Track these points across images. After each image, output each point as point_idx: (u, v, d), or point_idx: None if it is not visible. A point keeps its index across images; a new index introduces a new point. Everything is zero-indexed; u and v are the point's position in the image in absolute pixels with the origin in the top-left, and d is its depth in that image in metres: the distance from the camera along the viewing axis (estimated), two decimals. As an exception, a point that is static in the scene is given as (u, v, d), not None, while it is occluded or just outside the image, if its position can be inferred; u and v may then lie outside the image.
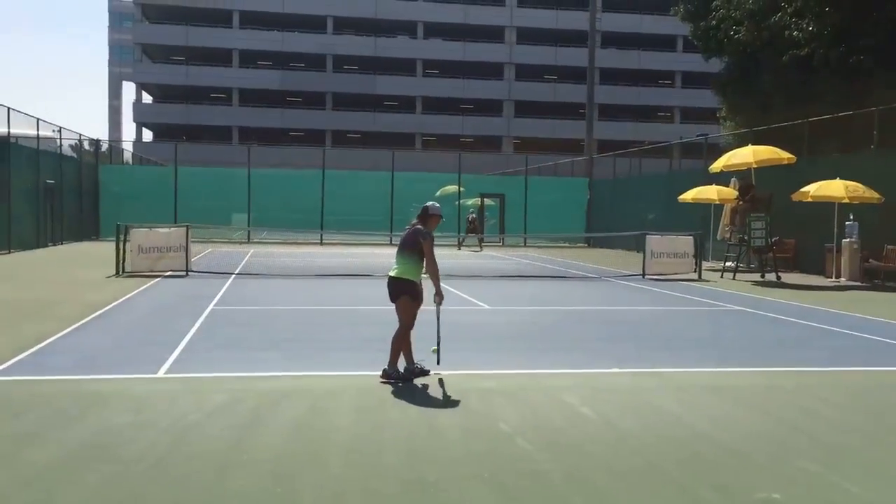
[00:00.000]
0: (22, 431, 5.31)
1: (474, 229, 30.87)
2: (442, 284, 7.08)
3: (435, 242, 7.18)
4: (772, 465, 4.91)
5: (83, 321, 10.09)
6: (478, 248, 30.97)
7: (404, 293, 7.01)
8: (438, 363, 7.15)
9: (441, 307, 7.13)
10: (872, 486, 4.55)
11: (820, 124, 21.93)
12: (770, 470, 4.81)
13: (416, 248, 7.04)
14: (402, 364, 7.08)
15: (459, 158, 35.85)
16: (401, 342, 7.04)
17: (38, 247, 24.67)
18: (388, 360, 7.04)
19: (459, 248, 30.93)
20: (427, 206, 7.25)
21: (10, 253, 22.03)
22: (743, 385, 7.19)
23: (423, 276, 7.15)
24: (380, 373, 7.01)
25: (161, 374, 7.16)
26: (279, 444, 5.11)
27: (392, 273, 7.09)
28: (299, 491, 4.29)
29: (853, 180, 17.71)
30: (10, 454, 4.82)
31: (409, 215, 34.73)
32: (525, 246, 34.84)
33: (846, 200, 17.61)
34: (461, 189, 35.45)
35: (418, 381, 6.95)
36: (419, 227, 7.14)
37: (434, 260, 7.05)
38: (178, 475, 4.51)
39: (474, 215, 32.44)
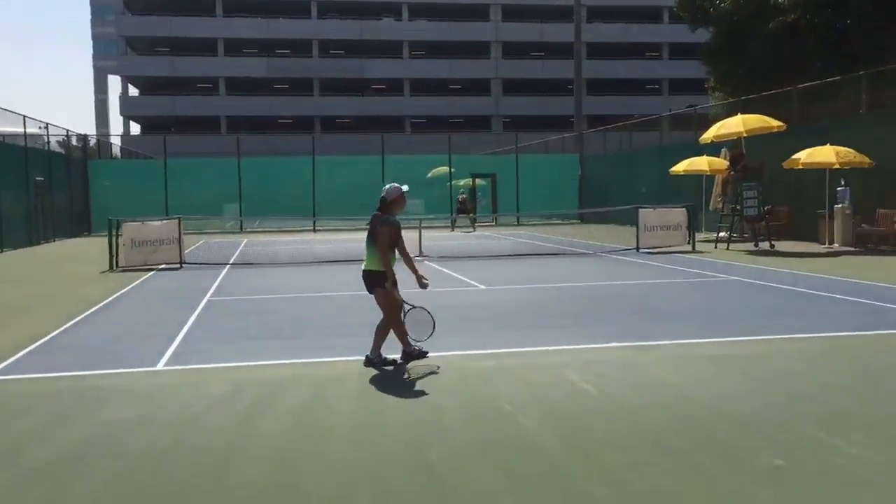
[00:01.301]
0: (25, 430, 5.31)
1: (465, 210, 30.85)
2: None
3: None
4: (773, 432, 4.94)
5: (80, 317, 10.07)
6: (471, 229, 30.96)
7: (377, 285, 6.88)
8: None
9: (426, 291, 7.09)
10: (875, 449, 4.58)
11: (809, 91, 21.91)
12: (772, 437, 4.84)
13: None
14: (386, 349, 7.08)
15: (449, 140, 35.74)
16: (387, 330, 6.99)
17: (30, 245, 24.57)
18: (371, 346, 7.02)
19: (452, 230, 30.92)
20: (384, 195, 6.86)
21: (2, 252, 21.95)
22: (741, 354, 7.22)
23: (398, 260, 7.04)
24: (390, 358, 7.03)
25: (161, 367, 7.15)
26: (282, 433, 5.12)
27: (364, 266, 6.98)
28: (304, 479, 4.30)
29: (843, 146, 17.73)
30: (14, 453, 4.82)
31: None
32: (518, 224, 34.85)
33: (837, 166, 17.64)
34: (452, 170, 35.39)
35: (418, 364, 6.96)
36: (378, 214, 6.91)
37: (385, 252, 6.74)
38: (182, 467, 4.52)
39: (465, 195, 32.43)
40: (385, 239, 6.76)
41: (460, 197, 32.16)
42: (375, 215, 6.95)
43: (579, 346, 7.76)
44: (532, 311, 10.21)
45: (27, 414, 5.72)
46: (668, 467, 4.35)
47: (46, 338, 8.69)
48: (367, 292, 7.02)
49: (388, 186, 6.95)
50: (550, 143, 43.08)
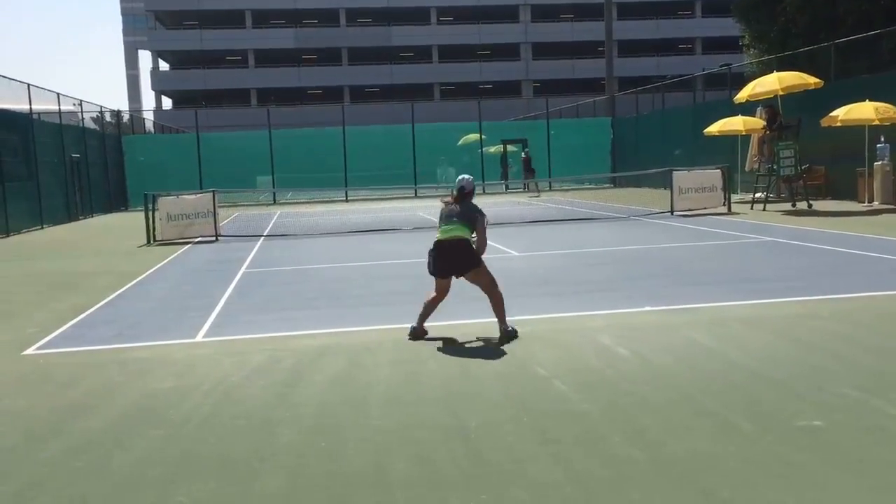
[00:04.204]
0: (71, 401, 5.45)
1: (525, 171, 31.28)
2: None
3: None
4: (811, 393, 4.91)
5: (119, 291, 10.25)
6: (536, 194, 30.91)
7: (476, 264, 6.92)
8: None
9: None
10: (914, 409, 4.53)
11: (846, 46, 21.36)
12: (810, 398, 4.81)
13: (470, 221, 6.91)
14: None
15: (479, 106, 35.50)
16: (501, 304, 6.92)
17: (68, 221, 24.97)
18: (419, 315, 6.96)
19: (529, 189, 31.34)
20: (463, 185, 6.95)
21: (42, 228, 22.35)
22: (778, 316, 7.15)
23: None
24: (413, 325, 6.93)
25: (200, 338, 7.27)
26: (320, 400, 5.20)
27: (456, 236, 6.87)
28: (343, 443, 4.38)
29: (883, 101, 17.32)
30: (62, 424, 4.95)
31: (433, 167, 34.72)
32: (550, 190, 34.63)
33: (876, 122, 17.25)
34: (483, 137, 35.18)
35: (453, 332, 6.99)
36: (455, 204, 6.91)
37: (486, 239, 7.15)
38: (224, 434, 4.62)
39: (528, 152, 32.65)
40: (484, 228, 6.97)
41: (524, 154, 32.24)
42: (467, 204, 6.94)
43: (614, 310, 7.74)
44: (565, 276, 10.19)
45: (71, 385, 5.87)
46: (704, 430, 4.35)
47: (89, 311, 8.86)
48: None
49: (468, 177, 7.04)
50: (581, 106, 42.59)
